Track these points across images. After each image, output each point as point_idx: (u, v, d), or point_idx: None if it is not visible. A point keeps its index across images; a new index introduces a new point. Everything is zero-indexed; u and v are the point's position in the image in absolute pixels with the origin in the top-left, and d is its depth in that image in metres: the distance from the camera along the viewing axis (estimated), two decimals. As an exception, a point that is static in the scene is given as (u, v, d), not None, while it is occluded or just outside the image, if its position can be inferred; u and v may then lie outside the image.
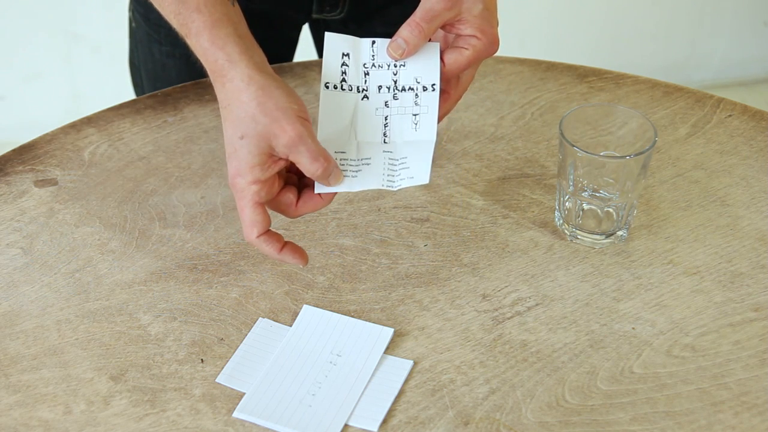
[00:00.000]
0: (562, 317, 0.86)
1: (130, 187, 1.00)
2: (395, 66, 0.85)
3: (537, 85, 1.13)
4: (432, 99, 0.85)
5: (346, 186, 0.83)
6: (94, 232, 0.95)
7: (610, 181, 0.89)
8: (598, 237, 0.92)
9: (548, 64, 1.16)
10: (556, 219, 0.95)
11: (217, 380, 0.81)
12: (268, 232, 0.81)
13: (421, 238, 0.94)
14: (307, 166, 0.80)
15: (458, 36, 0.85)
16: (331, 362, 0.83)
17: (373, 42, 0.85)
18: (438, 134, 1.04)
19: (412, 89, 0.85)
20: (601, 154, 0.91)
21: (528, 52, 1.31)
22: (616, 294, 0.88)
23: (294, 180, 0.85)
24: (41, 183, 1.00)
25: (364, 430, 0.78)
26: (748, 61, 2.59)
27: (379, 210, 0.97)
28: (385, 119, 0.85)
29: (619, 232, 0.93)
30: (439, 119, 0.86)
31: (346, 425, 0.78)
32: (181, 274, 0.90)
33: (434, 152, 0.84)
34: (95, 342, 0.84)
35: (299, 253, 0.83)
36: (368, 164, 0.84)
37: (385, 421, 0.78)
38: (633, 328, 0.85)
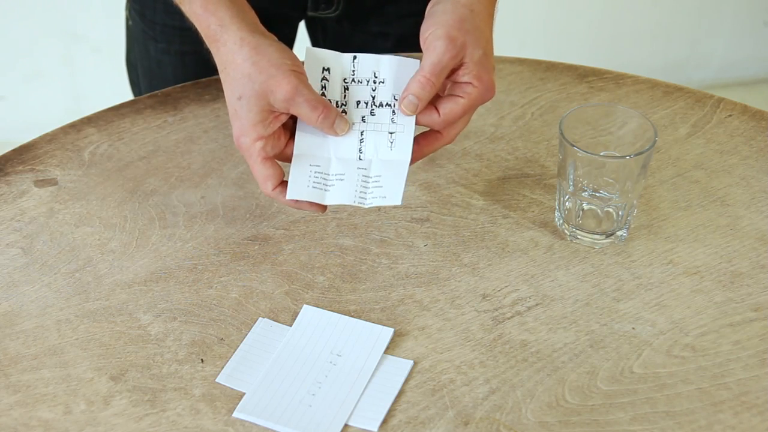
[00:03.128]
0: (562, 317, 0.86)
1: (130, 187, 1.00)
2: (374, 82, 0.86)
3: (537, 85, 1.13)
4: (409, 119, 0.85)
5: (318, 198, 0.84)
6: (94, 232, 0.95)
7: (610, 181, 0.89)
8: (598, 237, 0.92)
9: (548, 64, 1.16)
10: (556, 219, 0.95)
11: (217, 380, 0.81)
12: (283, 183, 0.84)
13: (421, 238, 0.94)
14: (308, 115, 0.82)
15: (455, 83, 0.85)
16: (331, 362, 0.83)
17: (355, 57, 0.86)
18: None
19: (390, 105, 0.86)
20: (601, 154, 0.91)
21: (528, 52, 1.30)
22: (616, 294, 0.88)
23: None
24: (41, 183, 1.00)
25: (364, 430, 0.77)
26: (748, 61, 2.59)
27: (379, 210, 0.97)
28: (361, 134, 0.86)
29: (619, 232, 0.93)
30: (425, 155, 0.87)
31: (346, 425, 0.78)
32: (181, 274, 0.90)
33: (408, 173, 0.85)
34: (95, 342, 0.84)
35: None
36: (342, 180, 0.85)
37: (385, 421, 0.78)
38: (633, 328, 0.85)
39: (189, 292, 0.89)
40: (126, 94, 1.27)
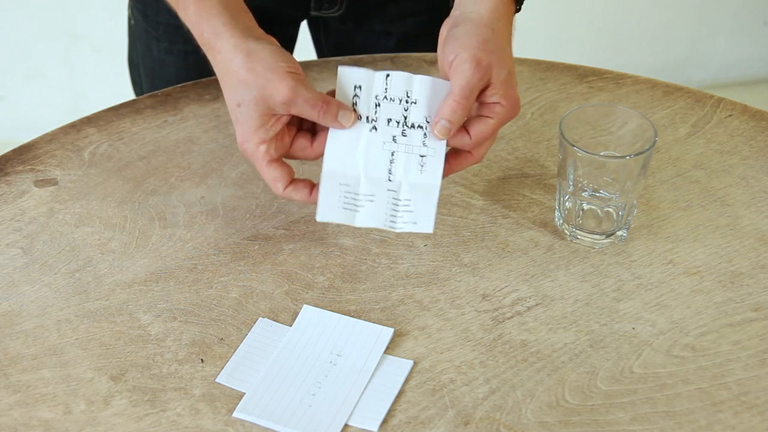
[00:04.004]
0: (562, 317, 0.86)
1: (130, 187, 1.00)
2: (407, 102, 0.86)
3: (537, 85, 1.13)
4: (440, 142, 0.85)
5: (348, 220, 0.85)
6: (94, 232, 0.95)
7: (610, 181, 0.89)
8: (598, 237, 0.92)
9: (548, 64, 1.16)
10: (556, 219, 0.95)
11: (217, 380, 0.81)
12: (293, 182, 0.85)
13: (421, 238, 0.94)
14: (309, 113, 0.83)
15: (482, 103, 0.86)
16: (331, 362, 0.83)
17: (388, 75, 0.86)
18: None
19: (422, 128, 0.86)
20: (601, 154, 0.91)
21: (528, 52, 1.30)
22: (616, 294, 0.88)
23: (308, 125, 0.87)
24: (41, 183, 1.00)
25: (364, 430, 0.77)
26: (748, 61, 2.59)
27: (379, 210, 0.97)
28: (392, 155, 0.86)
29: (619, 232, 0.93)
30: (453, 172, 0.87)
31: (346, 425, 0.78)
32: (181, 274, 0.90)
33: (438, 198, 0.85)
34: (95, 342, 0.84)
35: None
36: (372, 201, 0.85)
37: (385, 421, 0.78)
38: (633, 328, 0.85)
39: (189, 292, 0.89)
40: (126, 94, 1.27)
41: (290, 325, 0.86)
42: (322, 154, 0.86)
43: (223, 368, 0.82)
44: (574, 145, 0.88)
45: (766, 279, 0.89)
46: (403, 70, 1.15)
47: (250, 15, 0.87)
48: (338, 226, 0.95)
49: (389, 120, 0.86)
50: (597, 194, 0.91)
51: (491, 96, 0.85)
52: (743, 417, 0.78)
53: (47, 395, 0.80)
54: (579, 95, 1.11)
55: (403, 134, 0.86)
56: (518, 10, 0.91)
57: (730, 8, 2.51)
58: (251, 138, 0.83)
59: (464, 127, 0.85)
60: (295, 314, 0.87)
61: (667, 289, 0.89)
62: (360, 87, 0.86)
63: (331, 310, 0.87)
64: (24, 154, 1.04)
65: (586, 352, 0.83)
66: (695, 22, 2.52)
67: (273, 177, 0.84)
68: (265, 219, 0.96)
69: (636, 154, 0.88)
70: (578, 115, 0.92)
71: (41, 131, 1.07)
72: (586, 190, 0.91)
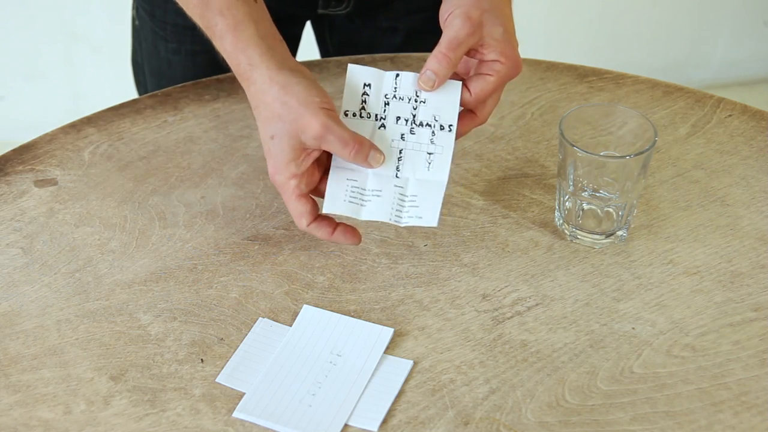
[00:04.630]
0: (562, 317, 0.86)
1: (130, 187, 1.00)
2: (416, 101, 0.86)
3: (537, 85, 1.13)
4: (448, 140, 0.86)
5: (354, 213, 0.85)
6: (94, 232, 0.95)
7: (610, 181, 0.89)
8: (598, 237, 0.92)
9: (548, 64, 1.16)
10: (556, 219, 0.95)
11: (217, 380, 0.81)
12: (318, 219, 0.86)
13: (421, 238, 0.94)
14: (340, 152, 0.83)
15: (481, 62, 0.86)
16: (331, 362, 0.83)
17: (397, 75, 0.87)
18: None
19: (430, 126, 0.86)
20: (601, 154, 0.91)
21: (528, 52, 1.30)
22: (616, 294, 0.88)
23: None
24: (41, 183, 1.00)
25: (364, 430, 0.78)
26: (748, 61, 2.59)
27: (379, 210, 0.97)
28: (400, 152, 0.86)
29: (619, 232, 0.93)
30: (461, 136, 0.88)
31: (346, 425, 0.78)
32: (181, 274, 0.90)
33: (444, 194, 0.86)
34: (95, 342, 0.84)
35: (351, 233, 0.87)
36: (378, 196, 0.85)
37: (385, 421, 0.78)
38: (633, 328, 0.85)
39: (189, 292, 0.89)
40: (126, 94, 1.27)
41: (290, 325, 0.86)
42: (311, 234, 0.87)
43: (223, 368, 0.82)
44: (574, 145, 0.88)
45: (766, 279, 0.89)
46: (403, 70, 1.15)
47: (285, 45, 0.87)
48: (338, 226, 0.95)
49: (398, 118, 0.86)
50: (597, 194, 0.91)
51: (489, 53, 0.85)
52: (743, 417, 0.78)
53: (47, 395, 0.80)
54: (579, 95, 1.11)
55: (412, 132, 0.86)
56: None
57: (730, 8, 2.51)
58: (283, 171, 0.84)
59: (465, 86, 0.86)
60: (295, 314, 0.87)
61: (667, 289, 0.89)
62: (369, 85, 0.86)
63: (331, 310, 0.87)
64: (24, 154, 1.04)
65: (586, 352, 0.83)
66: (695, 22, 2.52)
67: (300, 212, 0.85)
68: (265, 219, 0.96)
69: (636, 154, 0.88)
70: (578, 115, 0.92)
71: (41, 131, 1.08)
72: (586, 190, 0.91)
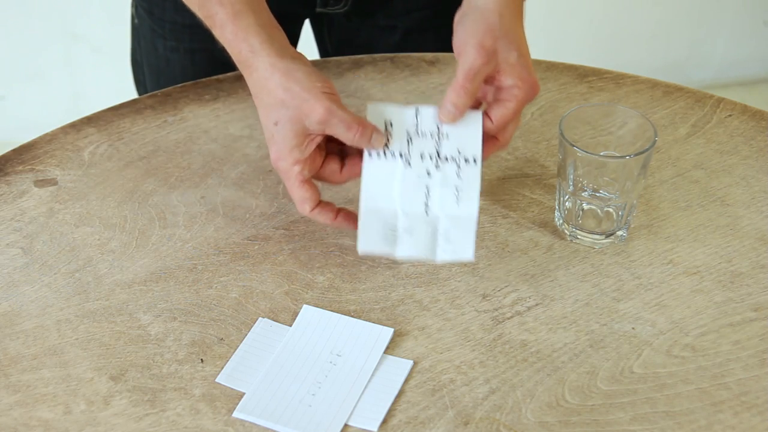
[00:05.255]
0: (562, 317, 0.86)
1: (130, 187, 1.00)
2: (438, 136, 0.87)
3: (537, 85, 1.13)
4: (474, 173, 0.86)
5: (389, 251, 0.85)
6: (94, 232, 0.95)
7: (610, 181, 0.89)
8: (598, 237, 0.92)
9: (548, 64, 1.16)
10: (556, 219, 0.95)
11: (217, 380, 0.81)
12: (320, 204, 0.86)
13: (421, 238, 0.94)
14: (344, 135, 0.84)
15: (499, 88, 0.87)
16: (331, 362, 0.83)
17: (417, 110, 0.87)
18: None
19: (455, 160, 0.86)
20: (601, 154, 0.91)
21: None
22: (616, 294, 0.88)
23: (335, 149, 0.88)
24: (41, 183, 1.00)
25: (364, 430, 0.77)
26: (748, 61, 2.59)
27: (379, 210, 0.97)
28: (427, 189, 0.86)
29: (619, 232, 0.93)
30: (485, 159, 0.88)
31: (346, 425, 0.78)
32: (181, 274, 0.90)
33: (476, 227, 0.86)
34: (95, 342, 0.84)
35: (353, 219, 0.87)
36: (410, 234, 0.86)
37: (385, 421, 0.78)
38: (633, 328, 0.85)
39: (189, 292, 0.89)
40: (126, 94, 1.27)
41: (290, 325, 0.86)
42: (349, 180, 0.88)
43: (223, 368, 0.82)
44: (574, 145, 0.88)
45: (766, 279, 0.89)
46: (402, 69, 1.15)
47: (284, 34, 0.88)
48: (338, 226, 0.95)
49: (422, 154, 0.87)
50: (597, 194, 0.91)
51: (506, 79, 0.86)
52: (743, 417, 0.78)
53: (47, 395, 0.80)
54: (579, 95, 1.11)
55: (437, 167, 0.86)
56: None
57: (730, 8, 2.51)
58: (286, 157, 0.84)
59: (486, 114, 0.87)
60: (295, 314, 0.87)
61: (667, 289, 0.89)
62: (391, 123, 0.87)
63: (331, 310, 0.87)
64: (24, 154, 1.04)
65: (586, 352, 0.83)
66: (695, 22, 2.52)
67: (303, 197, 0.85)
68: (265, 219, 0.96)
69: (636, 154, 0.88)
70: (578, 115, 0.92)
71: (41, 131, 1.07)
72: (586, 190, 0.91)
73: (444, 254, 0.85)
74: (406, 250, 0.85)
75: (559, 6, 2.42)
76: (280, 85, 0.84)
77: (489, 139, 0.88)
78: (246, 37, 0.85)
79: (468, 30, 0.87)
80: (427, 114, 0.87)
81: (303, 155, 0.84)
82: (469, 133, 0.86)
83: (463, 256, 0.85)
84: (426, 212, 0.86)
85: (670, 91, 1.12)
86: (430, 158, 0.86)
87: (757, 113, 1.08)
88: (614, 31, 2.49)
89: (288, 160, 0.84)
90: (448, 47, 1.21)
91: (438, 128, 0.87)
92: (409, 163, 0.86)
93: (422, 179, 0.86)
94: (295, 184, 0.85)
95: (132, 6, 1.24)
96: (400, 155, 0.86)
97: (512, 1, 0.89)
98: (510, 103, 0.86)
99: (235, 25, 0.85)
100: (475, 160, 0.86)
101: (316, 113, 0.83)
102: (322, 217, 0.87)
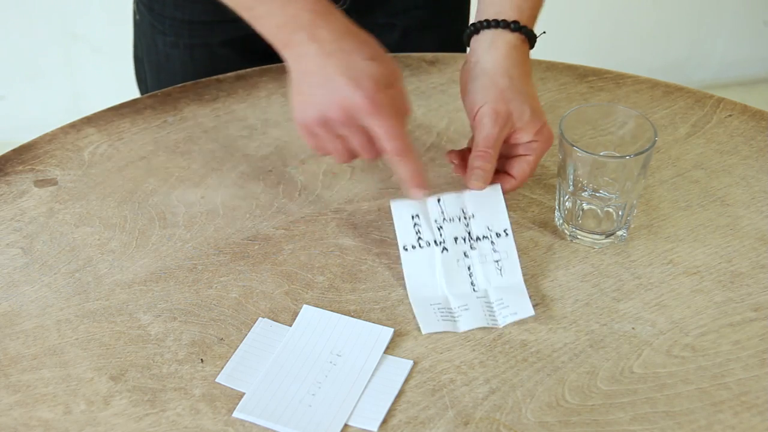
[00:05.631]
0: (562, 317, 0.86)
1: (130, 187, 1.00)
2: (465, 218, 0.89)
3: (537, 85, 1.13)
4: (508, 244, 0.89)
5: (451, 328, 0.85)
6: (94, 232, 0.95)
7: (610, 181, 0.89)
8: (598, 237, 0.92)
9: (548, 64, 1.16)
10: (556, 219, 0.95)
11: (217, 380, 0.81)
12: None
13: (421, 238, 0.94)
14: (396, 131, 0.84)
15: (517, 144, 0.91)
16: (331, 362, 0.83)
17: (439, 199, 0.89)
18: (438, 135, 1.05)
19: (487, 237, 0.89)
20: (601, 154, 0.91)
21: (528, 52, 1.30)
22: (616, 294, 0.88)
23: None
24: (41, 183, 1.00)
25: (364, 430, 0.77)
26: (748, 61, 2.59)
27: (379, 210, 0.97)
28: (469, 269, 0.88)
29: (619, 232, 0.93)
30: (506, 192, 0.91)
31: (346, 425, 0.78)
32: (181, 274, 0.90)
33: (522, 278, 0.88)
34: (95, 342, 0.84)
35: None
36: (467, 309, 0.86)
37: (385, 421, 0.78)
38: (633, 328, 0.85)
39: (189, 292, 0.89)
40: (126, 94, 1.27)
41: (290, 325, 0.86)
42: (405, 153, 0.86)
43: (223, 368, 0.82)
44: (574, 145, 0.88)
45: (766, 279, 0.89)
46: (403, 70, 1.15)
47: None
48: (338, 225, 0.95)
49: (455, 238, 0.88)
50: (597, 194, 0.91)
51: (523, 136, 0.90)
52: (743, 417, 0.78)
53: (47, 395, 0.80)
54: (579, 95, 1.11)
55: (472, 248, 0.88)
56: (532, 47, 0.95)
57: (730, 8, 2.51)
58: (391, 82, 0.84)
59: (507, 172, 0.92)
60: (295, 314, 0.87)
61: (667, 289, 0.89)
62: (417, 216, 0.89)
63: (331, 310, 0.87)
64: (24, 154, 1.04)
65: (586, 352, 0.83)
66: (695, 22, 2.52)
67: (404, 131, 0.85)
68: (265, 219, 0.96)
69: (636, 154, 0.88)
70: (578, 115, 0.92)
71: (41, 131, 1.08)
72: (586, 190, 0.91)
73: (506, 319, 0.85)
74: (468, 324, 0.85)
75: (559, 6, 2.42)
76: (366, 35, 0.85)
77: (504, 176, 0.92)
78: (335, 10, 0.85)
79: (480, 96, 0.90)
80: (450, 200, 0.89)
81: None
82: (492, 208, 0.89)
83: (523, 314, 0.86)
84: (474, 290, 0.87)
85: (670, 91, 1.12)
86: (464, 240, 0.89)
87: (757, 113, 1.08)
88: (614, 31, 2.49)
89: (395, 84, 0.84)
90: (447, 46, 1.22)
91: (463, 211, 0.89)
92: (446, 249, 0.88)
93: (461, 261, 0.88)
94: (403, 100, 0.85)
95: (133, 2, 1.24)
96: (435, 243, 0.88)
97: (519, 59, 0.92)
98: (530, 157, 0.91)
99: None
100: (506, 232, 0.89)
101: (395, 69, 0.84)
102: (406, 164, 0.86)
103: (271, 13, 0.84)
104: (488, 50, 0.92)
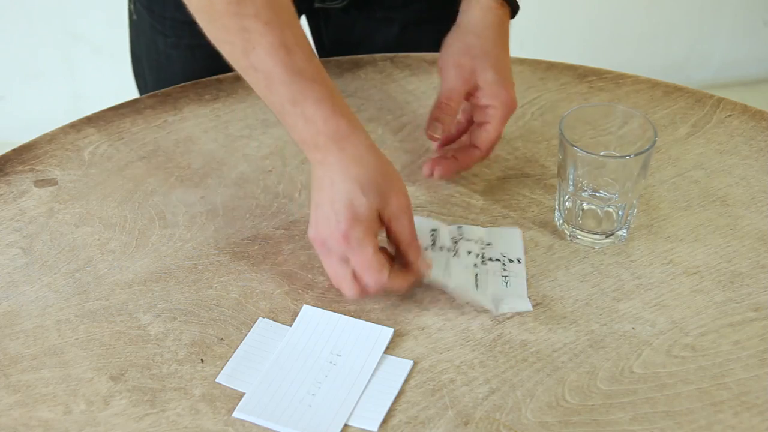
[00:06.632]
0: (562, 317, 0.86)
1: (130, 187, 1.00)
2: (482, 243, 0.91)
3: (537, 85, 1.13)
4: (519, 268, 0.90)
5: (441, 277, 0.86)
6: (94, 232, 0.95)
7: (610, 181, 0.89)
8: (598, 237, 0.92)
9: (548, 64, 1.16)
10: (556, 219, 0.95)
11: (217, 380, 0.81)
12: (391, 272, 0.84)
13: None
14: (407, 235, 0.84)
15: (477, 106, 0.94)
16: (331, 362, 0.83)
17: (460, 226, 0.92)
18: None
19: (499, 260, 0.90)
20: (601, 154, 0.91)
21: (528, 52, 1.30)
22: (616, 294, 0.88)
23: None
24: (41, 183, 1.00)
25: (364, 430, 0.77)
26: (748, 61, 2.59)
27: (379, 210, 0.97)
28: (476, 276, 0.88)
29: (619, 232, 0.93)
30: (464, 169, 0.96)
31: (346, 425, 0.78)
32: (181, 274, 0.90)
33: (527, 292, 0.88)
34: (95, 342, 0.84)
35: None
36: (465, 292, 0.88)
37: (385, 421, 0.78)
38: (633, 328, 0.85)
39: (189, 292, 0.89)
40: (126, 94, 1.27)
41: (290, 325, 0.86)
42: (382, 290, 0.86)
43: (223, 368, 0.82)
44: (574, 145, 0.88)
45: (766, 279, 0.89)
46: (402, 69, 1.15)
47: None
48: (338, 226, 0.95)
49: (469, 252, 0.89)
50: (597, 194, 0.91)
51: (482, 98, 0.93)
52: (743, 417, 0.78)
53: (47, 395, 0.80)
54: (579, 95, 1.11)
55: (483, 263, 0.89)
56: (513, 16, 1.00)
57: (730, 8, 2.51)
58: (365, 225, 0.82)
59: (472, 145, 0.95)
60: (295, 314, 0.87)
61: (667, 289, 0.89)
62: (436, 230, 0.90)
63: (331, 310, 0.87)
64: (24, 154, 1.04)
65: (586, 352, 0.83)
66: (695, 22, 2.52)
67: (382, 262, 0.83)
68: (265, 219, 0.96)
69: (636, 154, 0.88)
70: (578, 115, 0.92)
71: (41, 131, 1.08)
72: (586, 190, 0.91)
73: (504, 308, 0.86)
74: (458, 283, 0.86)
75: (559, 6, 2.42)
76: (378, 163, 0.83)
77: (470, 149, 0.95)
78: (345, 114, 0.84)
79: (448, 51, 0.94)
80: (470, 228, 0.92)
81: (379, 228, 0.84)
82: (510, 242, 0.91)
83: (521, 308, 0.86)
84: (477, 287, 0.88)
85: (670, 91, 1.12)
86: (476, 256, 0.90)
87: (757, 113, 1.08)
88: (614, 31, 2.49)
89: (367, 228, 0.82)
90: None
91: (482, 240, 0.91)
92: (458, 255, 0.89)
93: (470, 269, 0.88)
94: (371, 251, 0.82)
95: (129, 1, 1.24)
96: (448, 250, 0.89)
97: (494, 23, 0.96)
98: (489, 126, 0.94)
99: (334, 102, 0.83)
100: (519, 261, 0.90)
101: (398, 201, 0.83)
102: (396, 284, 0.85)
103: (295, 127, 0.85)
104: (466, 11, 0.97)
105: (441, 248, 0.89)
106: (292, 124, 0.84)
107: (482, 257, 0.90)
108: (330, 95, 0.84)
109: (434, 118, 0.94)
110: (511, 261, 0.90)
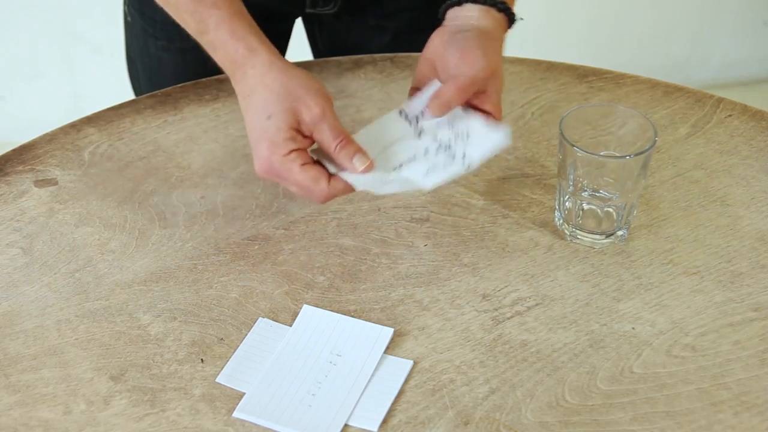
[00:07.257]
0: (562, 317, 0.86)
1: (130, 187, 1.00)
2: (457, 133, 0.87)
3: (537, 85, 1.13)
4: (457, 167, 0.86)
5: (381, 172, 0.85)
6: (94, 232, 0.95)
7: (610, 181, 0.89)
8: (598, 237, 0.92)
9: (548, 64, 1.16)
10: (556, 219, 0.95)
11: (217, 380, 0.81)
12: (333, 176, 0.84)
13: (421, 238, 0.94)
14: (329, 142, 0.83)
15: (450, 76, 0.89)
16: (331, 362, 0.83)
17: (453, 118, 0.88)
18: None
19: (453, 156, 0.86)
20: (601, 154, 0.91)
21: (528, 52, 1.30)
22: (616, 294, 0.88)
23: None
24: (41, 183, 1.00)
25: (364, 430, 0.77)
26: (748, 61, 2.59)
27: (379, 210, 0.97)
28: (414, 156, 0.87)
29: (619, 232, 0.93)
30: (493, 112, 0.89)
31: (346, 425, 0.78)
32: (181, 274, 0.90)
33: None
34: (95, 342, 0.84)
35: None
36: (413, 161, 0.86)
37: (385, 421, 0.78)
38: (633, 328, 0.85)
39: (189, 292, 0.89)
40: (126, 94, 1.27)
41: (290, 325, 0.86)
42: (333, 197, 0.85)
43: (223, 368, 0.82)
44: (574, 145, 0.88)
45: (766, 279, 0.89)
46: (402, 69, 1.15)
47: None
48: (338, 225, 0.95)
49: (435, 137, 0.87)
50: (597, 194, 0.91)
51: (452, 68, 0.88)
52: (743, 417, 0.78)
53: (47, 395, 0.80)
54: (579, 95, 1.11)
55: (436, 154, 0.87)
56: (510, 25, 0.95)
57: (730, 8, 2.51)
58: (281, 148, 0.82)
59: (483, 111, 0.89)
60: (295, 314, 0.87)
61: (667, 289, 0.89)
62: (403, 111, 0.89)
63: (331, 310, 0.87)
64: (24, 154, 1.04)
65: (586, 352, 0.83)
66: (695, 22, 2.52)
67: (313, 177, 0.83)
68: (265, 219, 0.96)
69: (636, 154, 0.88)
70: (578, 115, 0.92)
71: (41, 131, 1.08)
72: (586, 190, 0.91)
73: (474, 152, 0.85)
74: (414, 173, 0.85)
75: (559, 6, 2.42)
76: (278, 79, 0.83)
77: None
78: (244, 36, 0.85)
79: (426, 49, 0.91)
80: (458, 111, 0.88)
81: (297, 145, 0.83)
82: (483, 146, 0.87)
83: (498, 144, 0.85)
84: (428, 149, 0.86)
85: (670, 91, 1.12)
86: (439, 145, 0.87)
87: (757, 113, 1.08)
88: (614, 31, 2.49)
89: (283, 151, 0.82)
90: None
91: (466, 130, 0.88)
92: (418, 136, 0.87)
93: (419, 154, 0.86)
94: (297, 170, 0.83)
95: (124, 4, 1.24)
96: (416, 121, 0.87)
97: (491, 24, 0.91)
98: (459, 79, 0.88)
99: (232, 26, 0.86)
100: (469, 166, 0.86)
101: (310, 112, 0.82)
102: (341, 186, 0.84)
103: (214, 48, 0.87)
104: (459, 12, 0.92)
105: (407, 119, 0.88)
106: (209, 54, 0.87)
107: (446, 146, 0.87)
108: (229, 19, 0.85)
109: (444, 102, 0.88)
110: (462, 159, 0.86)
